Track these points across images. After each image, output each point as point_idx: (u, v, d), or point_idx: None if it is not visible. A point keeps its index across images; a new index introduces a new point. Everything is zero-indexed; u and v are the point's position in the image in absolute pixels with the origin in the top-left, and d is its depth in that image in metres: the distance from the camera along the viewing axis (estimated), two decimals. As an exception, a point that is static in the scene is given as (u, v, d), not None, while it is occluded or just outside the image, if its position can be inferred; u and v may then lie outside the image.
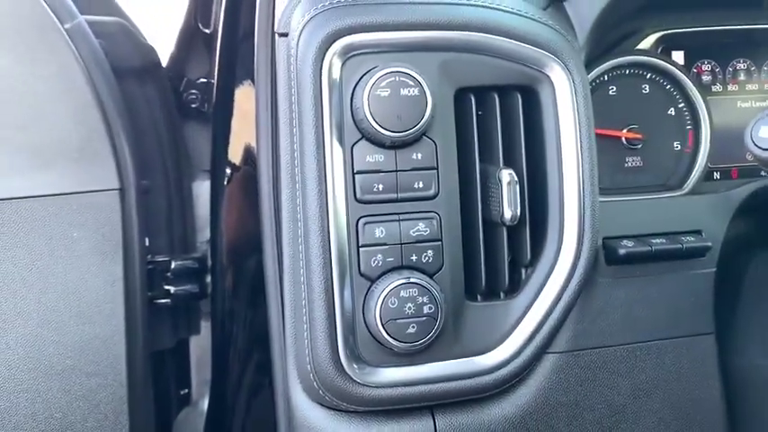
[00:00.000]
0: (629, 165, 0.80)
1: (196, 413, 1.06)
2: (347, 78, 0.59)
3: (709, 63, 0.84)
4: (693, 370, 0.68)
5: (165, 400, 1.05)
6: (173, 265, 0.97)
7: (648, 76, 0.81)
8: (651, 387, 0.68)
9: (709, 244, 0.69)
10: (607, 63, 0.79)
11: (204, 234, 1.04)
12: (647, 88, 0.81)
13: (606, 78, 0.80)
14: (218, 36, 0.90)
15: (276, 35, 0.63)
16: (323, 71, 0.59)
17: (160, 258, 0.96)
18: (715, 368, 0.69)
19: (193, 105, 1.02)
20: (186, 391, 1.08)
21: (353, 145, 0.59)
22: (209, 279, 1.01)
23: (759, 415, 0.68)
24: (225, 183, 1.01)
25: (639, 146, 0.79)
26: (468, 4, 0.63)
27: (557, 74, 0.64)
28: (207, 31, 0.95)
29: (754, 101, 0.84)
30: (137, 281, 0.84)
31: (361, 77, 0.59)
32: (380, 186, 0.60)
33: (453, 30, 0.61)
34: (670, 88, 0.81)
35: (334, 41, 0.59)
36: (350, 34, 0.59)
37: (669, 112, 0.81)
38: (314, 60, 0.59)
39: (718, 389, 0.69)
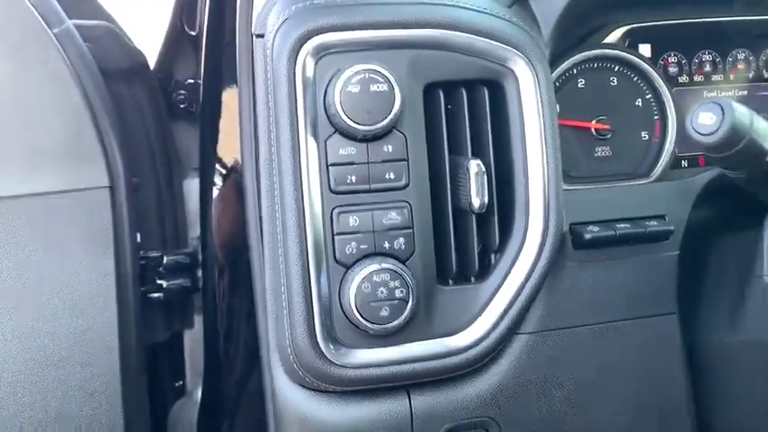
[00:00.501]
0: (599, 154, 0.83)
1: (191, 404, 1.09)
2: (320, 76, 0.63)
3: (675, 55, 0.87)
4: (657, 348, 0.72)
5: (160, 391, 1.08)
6: (164, 260, 1.00)
7: (616, 68, 0.84)
8: (617, 365, 0.71)
9: (672, 228, 0.72)
10: (575, 57, 0.82)
11: (195, 230, 1.08)
12: (615, 80, 0.84)
13: (575, 72, 0.83)
14: (203, 38, 0.94)
15: (254, 36, 0.67)
16: (297, 70, 0.62)
17: (152, 254, 0.99)
18: (678, 346, 0.72)
19: (182, 105, 1.05)
20: (181, 382, 1.11)
21: (327, 139, 0.63)
22: (200, 273, 1.04)
23: (720, 390, 0.71)
24: (213, 179, 1.04)
25: (609, 136, 0.82)
26: (435, 4, 0.66)
27: (520, 68, 0.67)
28: (193, 33, 0.98)
29: (720, 91, 0.87)
30: (128, 275, 0.88)
31: (333, 75, 0.62)
32: (353, 178, 0.63)
33: (421, 28, 0.65)
34: (637, 80, 0.84)
35: (308, 41, 0.62)
36: (322, 34, 0.62)
37: (637, 104, 0.84)
38: (288, 60, 0.62)
39: (681, 366, 0.72)
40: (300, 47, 0.62)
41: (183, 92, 1.04)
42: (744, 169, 0.59)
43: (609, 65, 0.84)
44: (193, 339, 1.09)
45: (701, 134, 0.56)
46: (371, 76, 0.62)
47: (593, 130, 0.82)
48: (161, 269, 1.00)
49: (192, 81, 1.04)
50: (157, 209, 1.04)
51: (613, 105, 0.83)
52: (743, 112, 0.56)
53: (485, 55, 0.66)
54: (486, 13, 0.67)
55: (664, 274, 0.73)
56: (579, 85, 0.83)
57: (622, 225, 0.72)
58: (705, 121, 0.56)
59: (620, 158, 0.82)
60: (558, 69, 0.81)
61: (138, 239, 0.98)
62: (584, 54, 0.82)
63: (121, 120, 0.92)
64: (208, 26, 0.90)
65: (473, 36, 0.66)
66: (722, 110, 0.55)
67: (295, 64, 0.62)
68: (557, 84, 0.82)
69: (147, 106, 1.00)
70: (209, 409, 1.07)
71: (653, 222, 0.72)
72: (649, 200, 0.75)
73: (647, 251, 0.72)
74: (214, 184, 1.04)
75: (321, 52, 0.63)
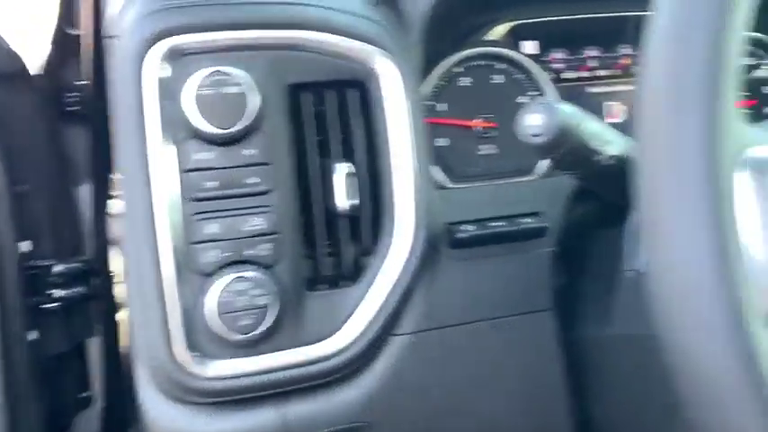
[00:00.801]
0: (484, 153, 0.83)
1: (94, 414, 1.06)
2: (174, 79, 0.61)
3: (561, 51, 0.88)
4: (534, 345, 0.72)
5: (63, 404, 1.05)
6: (59, 269, 0.97)
7: (501, 66, 0.84)
8: (495, 363, 0.71)
9: (546, 225, 0.73)
10: (459, 54, 0.82)
11: (93, 236, 1.05)
12: (500, 78, 0.84)
13: (461, 69, 0.83)
14: (85, 38, 0.91)
15: (109, 38, 0.64)
16: (148, 73, 0.60)
17: (45, 263, 0.96)
18: (554, 342, 0.72)
19: (73, 108, 1.02)
20: (86, 393, 1.08)
21: (183, 144, 0.61)
22: (99, 281, 1.02)
23: (598, 382, 0.72)
24: (106, 184, 1.01)
25: (494, 134, 0.82)
26: (295, 3, 0.65)
27: (384, 68, 0.66)
28: (76, 33, 0.95)
29: (605, 86, 0.89)
30: (13, 287, 0.85)
31: (187, 77, 0.60)
32: (213, 183, 0.61)
33: (280, 29, 0.63)
34: (522, 77, 0.85)
35: (159, 43, 0.60)
36: (174, 35, 0.61)
37: (522, 101, 0.84)
38: (138, 62, 0.60)
39: (558, 361, 0.72)
40: (151, 49, 0.60)
41: (72, 95, 1.01)
42: (577, 169, 0.59)
43: (494, 62, 0.84)
44: (98, 348, 1.07)
45: (529, 135, 0.57)
46: (225, 78, 0.60)
47: (478, 128, 0.83)
48: (55, 278, 0.97)
49: (81, 83, 1.01)
50: (51, 216, 1.01)
51: (499, 103, 0.83)
52: (570, 113, 0.56)
53: (347, 55, 0.65)
54: (348, 13, 0.66)
55: (539, 270, 0.73)
56: (464, 83, 0.83)
57: (497, 223, 0.72)
58: (533, 123, 0.56)
59: (505, 156, 0.83)
60: (440, 67, 0.81)
61: (29, 248, 0.95)
62: (467, 52, 0.82)
63: (5, 127, 0.88)
64: (83, 27, 0.87)
65: (334, 36, 0.65)
66: (549, 111, 0.56)
67: (144, 66, 0.60)
68: (442, 82, 0.82)
69: (32, 111, 0.97)
70: (112, 420, 1.05)
71: (528, 220, 0.73)
72: (527, 197, 0.75)
73: (522, 249, 0.73)
74: (108, 188, 1.02)
75: (174, 54, 0.61)
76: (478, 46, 0.83)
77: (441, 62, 0.81)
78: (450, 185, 0.80)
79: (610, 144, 0.57)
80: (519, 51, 0.85)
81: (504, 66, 0.84)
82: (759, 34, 0.93)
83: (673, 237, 0.40)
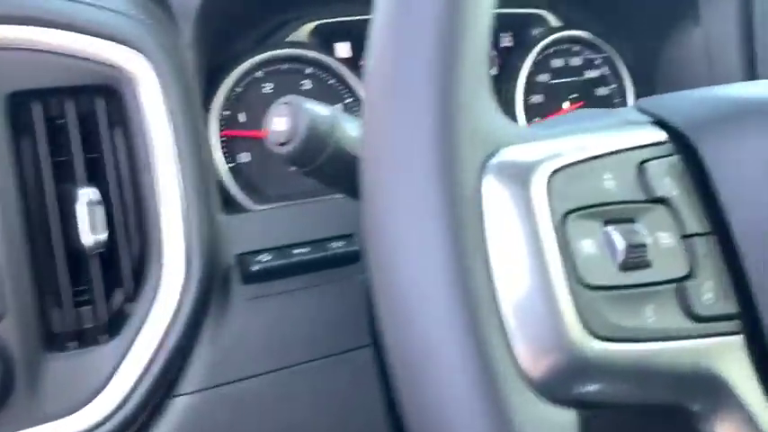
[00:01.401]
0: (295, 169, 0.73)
1: None
2: None
3: (378, 54, 0.80)
4: (353, 387, 0.62)
5: None
6: None
7: (308, 70, 0.75)
8: (308, 414, 0.61)
9: (358, 248, 0.63)
10: (255, 58, 0.71)
11: None
12: (309, 84, 0.75)
13: (260, 75, 0.73)
14: None
15: None
16: None
17: None
18: (376, 381, 0.63)
19: None
20: None
21: None
22: None
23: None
24: None
25: None
26: (17, -8, 0.52)
27: (142, 72, 0.54)
28: None
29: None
30: None
31: None
32: None
33: None
34: (334, 83, 0.76)
35: None
36: None
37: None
38: None
39: (379, 399, 0.63)
40: None
41: None
42: (341, 184, 0.50)
43: (299, 67, 0.74)
44: None
45: (276, 144, 0.47)
46: None
47: (285, 140, 0.72)
48: None
49: None
50: None
51: None
52: (322, 116, 0.47)
53: (92, 57, 0.53)
54: (95, 5, 0.54)
55: (355, 301, 0.63)
56: (266, 91, 0.73)
57: (301, 250, 0.61)
58: (278, 128, 0.47)
59: None
60: (236, 72, 0.71)
61: None
62: (267, 54, 0.72)
63: None
64: None
65: (74, 34, 0.52)
66: (295, 113, 0.46)
67: None
68: (237, 89, 0.71)
69: None
70: None
71: (338, 243, 0.63)
72: (339, 218, 0.65)
73: (334, 277, 0.63)
74: None
75: None
76: (280, 48, 0.73)
77: (236, 66, 0.70)
78: (254, 207, 0.69)
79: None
80: (328, 54, 0.75)
81: (312, 70, 0.75)
82: (587, 34, 0.90)
83: (402, 277, 0.31)
